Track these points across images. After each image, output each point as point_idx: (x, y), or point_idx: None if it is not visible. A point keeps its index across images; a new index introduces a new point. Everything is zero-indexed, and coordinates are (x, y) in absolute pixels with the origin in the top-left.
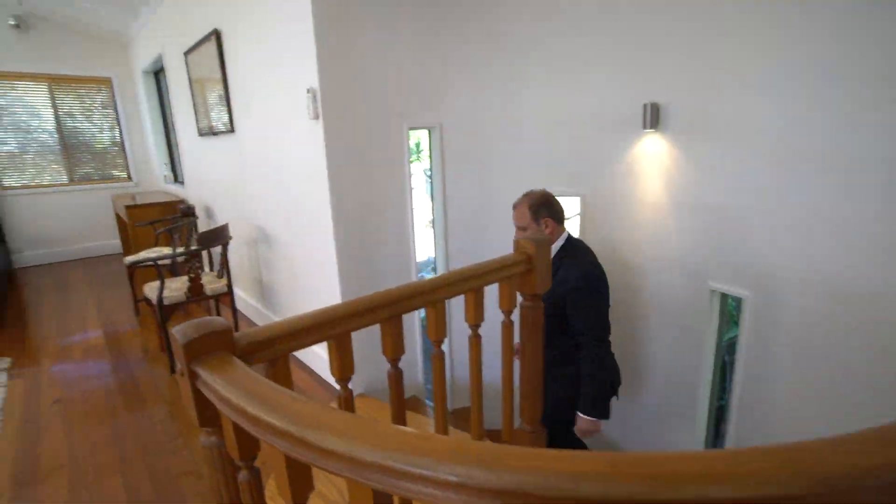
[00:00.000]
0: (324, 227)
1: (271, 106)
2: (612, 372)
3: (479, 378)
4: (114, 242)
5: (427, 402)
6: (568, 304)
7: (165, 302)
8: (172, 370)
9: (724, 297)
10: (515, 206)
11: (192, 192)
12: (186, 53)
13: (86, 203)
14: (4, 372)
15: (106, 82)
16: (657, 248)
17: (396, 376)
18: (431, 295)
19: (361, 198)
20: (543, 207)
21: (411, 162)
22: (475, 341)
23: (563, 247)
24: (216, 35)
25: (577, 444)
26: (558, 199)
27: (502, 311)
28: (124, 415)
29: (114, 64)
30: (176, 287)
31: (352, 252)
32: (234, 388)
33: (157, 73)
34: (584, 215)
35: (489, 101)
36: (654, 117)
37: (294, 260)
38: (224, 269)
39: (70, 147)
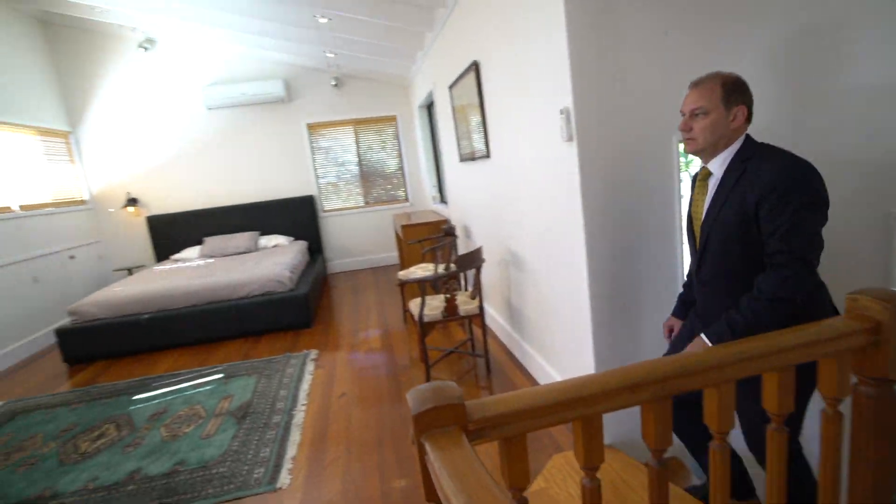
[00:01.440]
0: (576, 254)
1: (524, 130)
2: (791, 313)
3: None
4: (394, 254)
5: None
6: (760, 215)
7: (425, 319)
8: (427, 379)
9: None
10: (697, 84)
11: (454, 212)
12: (451, 87)
13: (375, 221)
14: (313, 362)
15: (392, 119)
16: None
17: (660, 475)
18: (716, 373)
19: (619, 221)
20: (738, 91)
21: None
22: (777, 436)
23: (741, 149)
24: (475, 66)
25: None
26: None
27: (824, 398)
28: (387, 405)
29: (398, 103)
30: (434, 305)
31: (605, 281)
32: (448, 479)
33: (430, 107)
34: None
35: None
36: None
37: (542, 286)
38: (477, 290)
39: (366, 175)
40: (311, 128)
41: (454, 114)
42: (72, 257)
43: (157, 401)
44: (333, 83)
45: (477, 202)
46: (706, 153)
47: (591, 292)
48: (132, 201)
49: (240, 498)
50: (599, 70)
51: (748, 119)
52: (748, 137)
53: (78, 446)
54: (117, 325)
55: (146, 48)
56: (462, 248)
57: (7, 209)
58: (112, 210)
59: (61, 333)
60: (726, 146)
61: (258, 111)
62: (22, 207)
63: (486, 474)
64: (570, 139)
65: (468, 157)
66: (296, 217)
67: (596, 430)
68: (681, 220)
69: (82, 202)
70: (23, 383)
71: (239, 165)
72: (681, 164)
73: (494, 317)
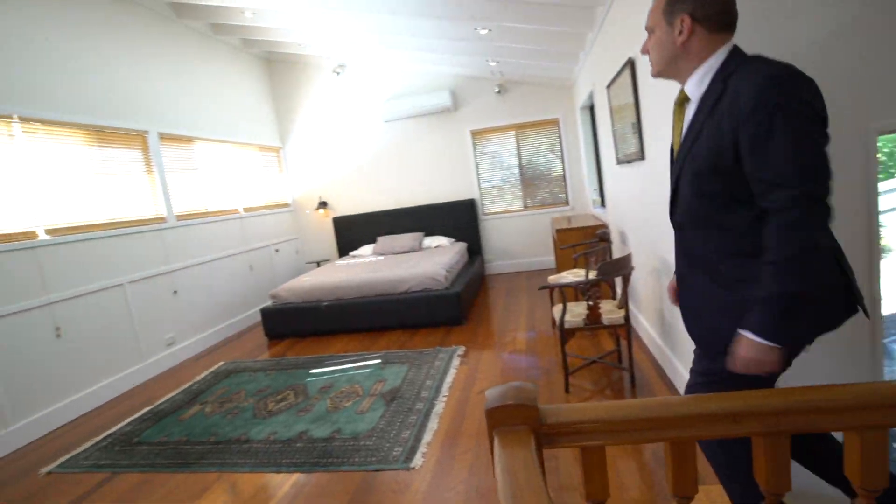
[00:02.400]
0: None
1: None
2: (828, 263)
3: None
4: (552, 258)
5: None
6: (742, 146)
7: (566, 326)
8: (566, 389)
9: None
10: None
11: (612, 216)
12: (608, 86)
13: (535, 224)
14: (459, 358)
15: (554, 122)
16: None
17: None
18: (857, 415)
19: None
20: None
21: (881, 179)
22: None
23: (723, 65)
24: (630, 64)
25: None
26: None
27: None
28: None
29: (560, 106)
30: (577, 312)
31: None
32: (501, 474)
33: (591, 108)
34: None
35: None
36: None
37: None
38: (624, 299)
39: (527, 178)
40: (475, 134)
41: (612, 114)
42: (277, 251)
43: (326, 376)
44: (496, 90)
45: (631, 207)
46: (670, 76)
47: None
48: (323, 204)
49: (379, 470)
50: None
51: (716, 29)
52: (734, 49)
53: (267, 405)
54: (304, 309)
55: (338, 73)
56: (617, 255)
57: (235, 211)
58: (308, 212)
59: (264, 313)
60: (694, 63)
61: (427, 121)
62: (245, 210)
63: (539, 478)
64: None
65: (624, 160)
66: (458, 219)
67: (687, 457)
68: (878, 231)
69: (286, 205)
70: (238, 349)
71: (409, 172)
72: (880, 160)
73: (647, 329)
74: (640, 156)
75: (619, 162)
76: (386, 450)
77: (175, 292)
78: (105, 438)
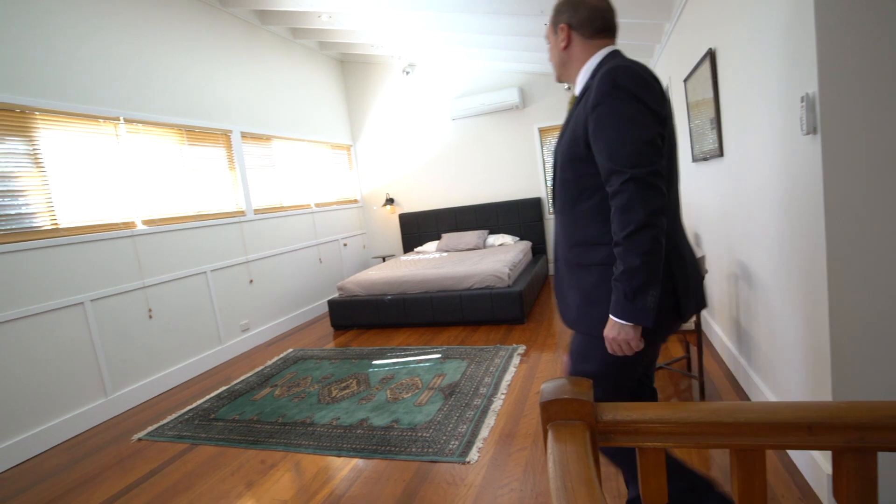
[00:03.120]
0: (815, 274)
1: (757, 123)
2: (658, 236)
3: None
4: None
5: None
6: (589, 132)
7: None
8: None
9: None
10: None
11: (685, 218)
12: (685, 80)
13: None
14: (519, 356)
15: None
16: None
17: None
18: None
19: (875, 236)
20: (562, 11)
21: None
22: None
23: (597, 66)
24: (710, 55)
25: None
26: None
27: None
28: None
29: None
30: None
31: (853, 312)
32: (554, 466)
33: None
34: None
35: None
36: None
37: (774, 307)
38: None
39: None
40: (543, 132)
41: (688, 110)
42: (345, 245)
43: (388, 368)
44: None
45: (706, 207)
46: (566, 79)
47: (831, 326)
48: (390, 201)
49: (434, 461)
50: (857, 47)
51: (591, 35)
52: (612, 52)
53: (331, 391)
54: (368, 301)
55: (407, 72)
56: None
57: (307, 206)
58: (375, 208)
59: (331, 304)
60: (577, 66)
61: (494, 119)
62: (316, 205)
63: (592, 472)
64: (812, 132)
65: (700, 157)
66: (522, 218)
67: (756, 468)
68: None
69: (355, 201)
70: (307, 337)
71: (475, 170)
72: None
73: (720, 336)
74: (719, 152)
75: (695, 159)
76: (442, 442)
77: (251, 281)
78: (187, 412)
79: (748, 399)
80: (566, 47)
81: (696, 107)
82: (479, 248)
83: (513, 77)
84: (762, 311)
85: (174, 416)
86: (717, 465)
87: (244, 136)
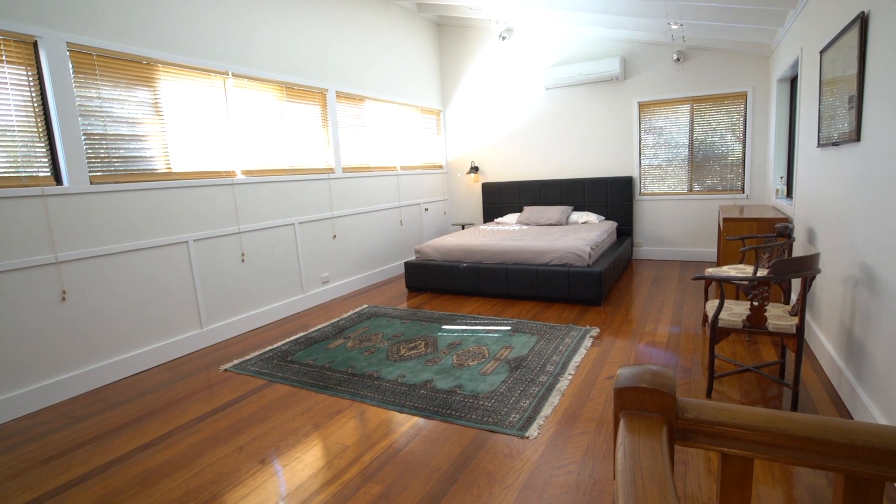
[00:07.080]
0: None
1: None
2: None
3: None
4: (712, 251)
5: None
6: None
7: (720, 324)
8: (708, 394)
9: None
10: None
11: (800, 210)
12: (822, 52)
13: (698, 210)
14: (591, 339)
15: (741, 97)
16: None
17: None
18: None
19: None
20: None
21: None
22: None
23: None
24: (861, 19)
25: None
26: None
27: None
28: None
29: (751, 77)
30: (736, 312)
31: None
32: (624, 459)
33: (794, 80)
34: None
35: None
36: None
37: None
38: (800, 306)
39: (696, 159)
40: (643, 106)
41: (821, 86)
42: (426, 209)
43: (456, 334)
44: (675, 57)
45: (830, 199)
46: None
47: None
48: (474, 169)
49: (493, 431)
50: None
51: None
52: None
53: (399, 350)
54: (444, 267)
55: (504, 37)
56: (799, 254)
57: (393, 168)
58: (459, 175)
59: (408, 266)
60: None
61: (591, 90)
62: (401, 168)
63: (666, 470)
64: None
65: (828, 142)
66: (610, 197)
67: (870, 501)
68: None
69: (440, 167)
70: (382, 295)
71: (565, 143)
72: None
73: (824, 345)
74: (855, 136)
75: (821, 144)
76: (503, 413)
77: (334, 236)
78: (268, 352)
79: (850, 418)
80: None
81: (831, 84)
82: (560, 224)
83: (615, 45)
84: (886, 322)
85: (256, 353)
86: (804, 484)
87: (339, 95)
